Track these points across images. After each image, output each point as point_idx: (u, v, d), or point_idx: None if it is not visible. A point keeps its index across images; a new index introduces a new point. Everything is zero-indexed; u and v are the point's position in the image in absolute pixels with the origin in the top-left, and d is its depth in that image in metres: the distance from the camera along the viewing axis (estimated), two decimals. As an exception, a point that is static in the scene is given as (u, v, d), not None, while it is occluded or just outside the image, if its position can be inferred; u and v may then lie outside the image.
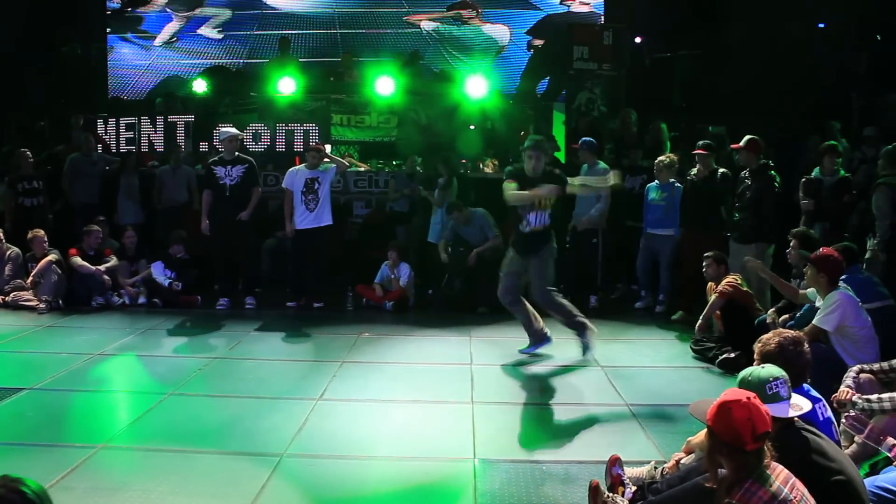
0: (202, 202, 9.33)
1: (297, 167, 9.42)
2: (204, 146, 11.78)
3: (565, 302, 7.17)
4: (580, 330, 7.11)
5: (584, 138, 9.43)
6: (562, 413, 5.69)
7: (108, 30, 15.04)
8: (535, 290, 7.08)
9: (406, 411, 5.69)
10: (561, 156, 11.94)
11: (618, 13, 13.80)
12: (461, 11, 14.39)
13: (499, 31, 14.13)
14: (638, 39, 13.33)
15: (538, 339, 7.23)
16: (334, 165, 9.34)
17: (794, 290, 6.55)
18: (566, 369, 6.81)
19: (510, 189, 6.78)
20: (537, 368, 6.82)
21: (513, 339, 7.69)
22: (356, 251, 10.51)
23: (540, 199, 6.83)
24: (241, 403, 5.80)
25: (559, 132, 12.33)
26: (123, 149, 11.91)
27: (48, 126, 13.20)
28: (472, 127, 12.54)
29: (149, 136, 11.94)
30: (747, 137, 7.96)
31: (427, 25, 14.44)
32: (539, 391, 6.19)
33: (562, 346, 7.46)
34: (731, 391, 3.04)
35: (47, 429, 5.33)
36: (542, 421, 5.54)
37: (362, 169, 11.55)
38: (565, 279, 9.46)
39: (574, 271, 9.33)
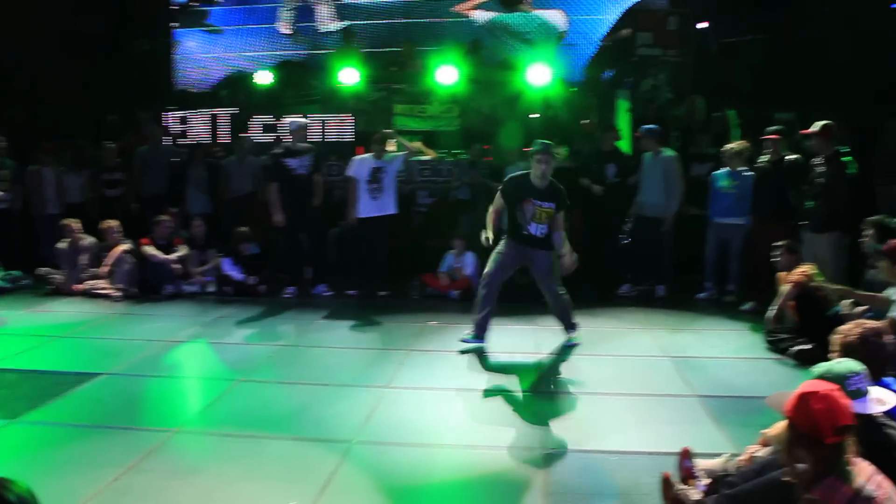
0: (272, 195, 9.32)
1: (361, 156, 9.48)
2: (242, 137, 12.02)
3: (567, 298, 7.08)
4: (572, 328, 7.11)
5: (646, 126, 9.30)
6: (630, 403, 5.61)
7: (174, 24, 15.28)
8: (544, 282, 6.97)
9: (473, 400, 5.69)
10: (625, 144, 11.79)
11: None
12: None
13: (554, 17, 13.87)
14: (704, 24, 13.03)
15: (482, 332, 6.84)
16: (401, 155, 9.37)
17: (880, 300, 6.25)
18: (633, 359, 6.72)
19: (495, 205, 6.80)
20: (604, 358, 6.75)
21: (581, 329, 7.64)
22: (421, 240, 10.55)
23: (540, 213, 6.70)
24: (310, 390, 5.88)
25: (624, 120, 12.17)
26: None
27: (118, 120, 13.53)
28: (534, 115, 12.46)
29: (208, 128, 12.23)
30: (821, 123, 7.72)
31: (478, 15, 14.28)
32: (606, 381, 6.11)
33: (627, 337, 7.41)
34: (810, 382, 2.96)
35: (124, 412, 5.47)
36: (610, 411, 5.47)
37: (429, 157, 11.58)
38: (629, 268, 9.42)
39: (638, 260, 9.26)
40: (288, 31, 14.08)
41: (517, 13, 13.76)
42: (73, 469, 4.47)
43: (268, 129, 12.58)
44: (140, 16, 14.63)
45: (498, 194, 6.90)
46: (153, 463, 4.56)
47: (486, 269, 6.91)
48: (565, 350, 7.00)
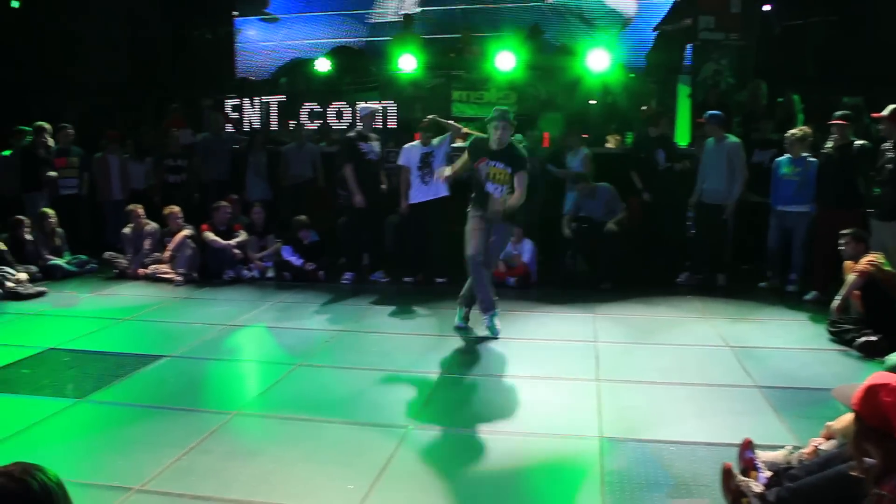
0: (347, 176, 9.28)
1: (411, 144, 9.50)
2: (292, 125, 12.28)
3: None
4: (491, 309, 7.09)
5: (710, 111, 9.13)
6: (689, 393, 5.52)
7: (235, 13, 15.48)
8: (493, 253, 7.13)
9: (530, 387, 5.67)
10: (685, 130, 11.60)
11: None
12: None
13: (624, 3, 13.67)
14: (767, 7, 12.71)
15: (491, 304, 7.10)
16: (447, 137, 9.33)
17: None
18: (692, 349, 6.62)
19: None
20: (663, 347, 6.67)
21: (638, 317, 7.63)
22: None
23: (495, 173, 6.85)
24: (367, 375, 5.92)
25: (684, 106, 11.97)
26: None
27: (180, 107, 13.78)
28: (592, 101, 12.33)
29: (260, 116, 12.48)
30: (892, 107, 7.47)
31: None
32: (665, 370, 6.02)
33: (686, 326, 7.32)
34: (879, 374, 2.87)
35: (186, 394, 5.59)
36: (669, 400, 5.39)
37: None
38: (690, 256, 9.28)
39: (698, 248, 9.12)
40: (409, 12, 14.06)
41: None
42: (138, 448, 4.59)
43: (291, 116, 12.76)
44: (202, 5, 14.85)
45: (465, 153, 7.10)
46: (214, 444, 4.65)
47: (470, 248, 7.02)
48: (622, 337, 6.95)
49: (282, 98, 13.06)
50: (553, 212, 10.04)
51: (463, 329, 7.21)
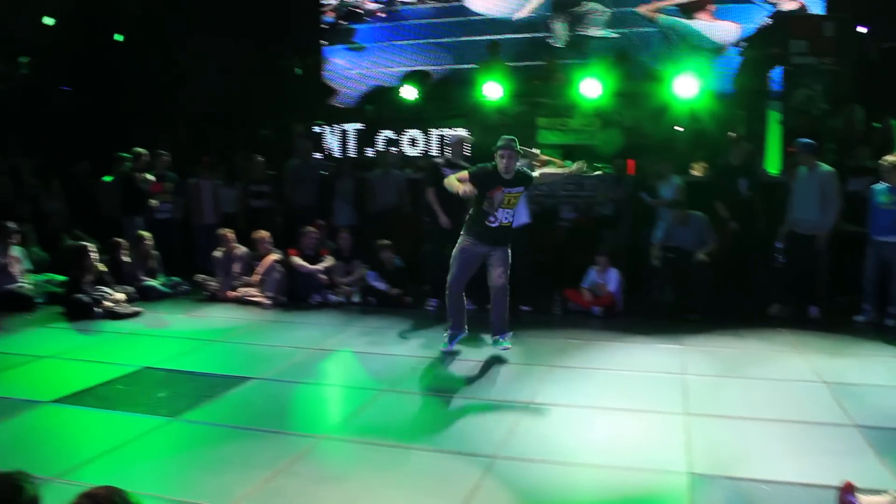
0: (429, 199, 9.25)
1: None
2: (369, 152, 12.73)
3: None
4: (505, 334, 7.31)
5: (801, 139, 8.89)
6: (783, 430, 5.34)
7: (323, 42, 15.83)
8: (500, 277, 7.17)
9: (616, 419, 5.59)
10: (775, 157, 11.32)
11: (840, 1, 12.82)
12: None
13: (727, 29, 13.38)
14: (863, 29, 12.34)
15: (460, 327, 7.37)
16: (524, 162, 9.29)
17: None
18: (785, 383, 6.42)
19: (452, 179, 7.19)
20: (754, 381, 6.48)
21: (728, 349, 7.45)
22: (563, 255, 10.45)
23: (510, 199, 7.04)
24: (452, 403, 5.93)
25: (774, 132, 11.70)
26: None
27: (270, 134, 14.16)
28: (679, 128, 12.17)
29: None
30: None
31: (658, 18, 13.96)
32: (757, 405, 5.84)
33: (778, 360, 7.11)
34: None
35: (274, 416, 5.68)
36: (761, 437, 5.22)
37: (559, 171, 11.49)
38: (780, 286, 9.03)
39: (790, 279, 8.87)
40: (560, 42, 14.16)
41: (694, 21, 13.42)
42: (228, 468, 4.69)
43: (368, 144, 13.11)
44: (292, 36, 15.26)
45: (466, 174, 7.19)
46: (301, 467, 4.71)
47: (450, 275, 7.26)
48: (711, 370, 6.79)
49: (359, 126, 13.35)
50: (640, 240, 9.93)
51: (500, 344, 7.33)
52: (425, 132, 13.07)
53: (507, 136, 7.20)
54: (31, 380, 6.57)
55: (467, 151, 9.42)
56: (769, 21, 12.71)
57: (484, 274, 7.68)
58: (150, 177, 10.98)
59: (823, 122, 10.79)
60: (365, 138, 13.22)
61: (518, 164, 7.11)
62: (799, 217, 8.73)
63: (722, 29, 13.29)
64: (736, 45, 13.24)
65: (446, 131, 11.38)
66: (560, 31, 14.04)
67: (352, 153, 13.25)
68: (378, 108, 14.18)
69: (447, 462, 4.80)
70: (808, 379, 6.51)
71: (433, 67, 15.13)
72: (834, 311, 8.88)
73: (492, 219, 7.07)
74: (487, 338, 8.01)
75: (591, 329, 8.38)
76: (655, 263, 9.19)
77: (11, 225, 9.83)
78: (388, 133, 13.04)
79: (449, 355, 7.33)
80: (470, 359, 7.27)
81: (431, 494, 4.36)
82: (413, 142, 12.89)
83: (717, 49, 13.26)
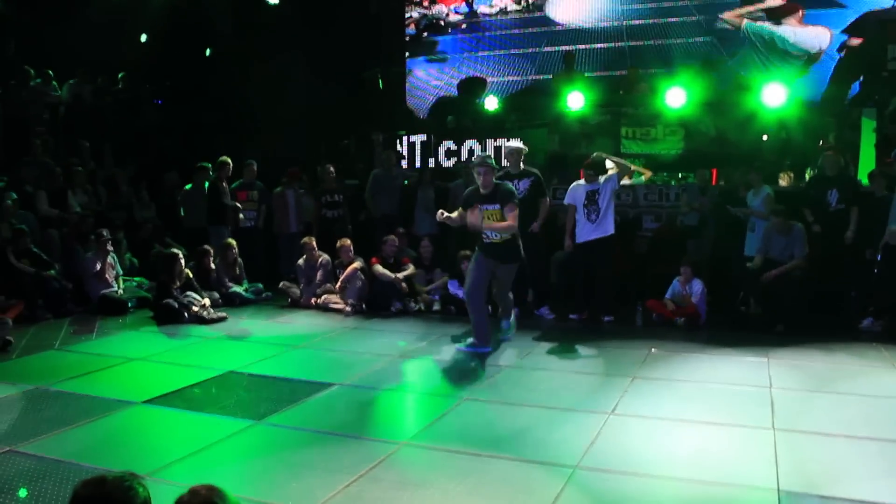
0: None
1: (577, 182, 9.44)
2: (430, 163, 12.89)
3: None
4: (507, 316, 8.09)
5: (898, 149, 8.57)
6: (879, 449, 5.10)
7: (407, 54, 16.01)
8: (501, 289, 7.89)
9: (701, 432, 5.45)
10: (867, 165, 10.92)
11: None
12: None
13: (817, 35, 12.96)
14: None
15: (485, 341, 7.73)
16: (615, 174, 9.18)
17: None
18: (881, 400, 6.15)
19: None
20: (846, 397, 6.24)
21: (817, 363, 7.21)
22: (645, 265, 10.30)
23: (488, 215, 7.47)
24: (534, 412, 5.87)
25: (868, 141, 11.31)
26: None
27: (353, 144, 14.36)
28: (765, 138, 11.88)
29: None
30: None
31: (744, 24, 13.64)
32: (849, 422, 5.60)
33: (872, 375, 6.84)
34: None
35: (355, 422, 5.75)
36: (855, 455, 5.01)
37: (646, 176, 11.32)
38: (873, 300, 8.70)
39: (885, 292, 8.54)
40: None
41: (782, 27, 13.09)
42: (311, 472, 4.74)
43: (451, 154, 13.25)
44: (377, 47, 15.47)
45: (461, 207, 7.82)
46: (383, 472, 4.73)
47: (466, 285, 7.83)
48: (799, 384, 6.57)
49: (422, 137, 13.48)
50: (724, 251, 9.72)
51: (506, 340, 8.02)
52: (483, 143, 13.11)
53: (481, 154, 7.76)
54: (122, 381, 6.80)
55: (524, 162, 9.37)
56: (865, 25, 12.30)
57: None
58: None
59: (922, 131, 10.40)
60: (427, 150, 13.33)
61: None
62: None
63: (812, 35, 12.89)
64: (840, 51, 12.80)
65: (507, 142, 11.34)
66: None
67: (430, 163, 13.32)
68: (457, 118, 14.24)
69: (528, 471, 4.75)
70: (905, 396, 6.24)
71: (516, 79, 15.15)
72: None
73: (483, 236, 7.56)
74: (565, 347, 8.00)
75: (674, 340, 8.21)
76: (756, 265, 8.93)
77: (106, 233, 10.21)
78: (472, 143, 13.06)
79: (525, 361, 7.48)
80: (550, 369, 7.22)
81: (513, 503, 4.32)
82: (472, 152, 12.88)
83: (806, 55, 12.87)
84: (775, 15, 13.06)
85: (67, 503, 2.27)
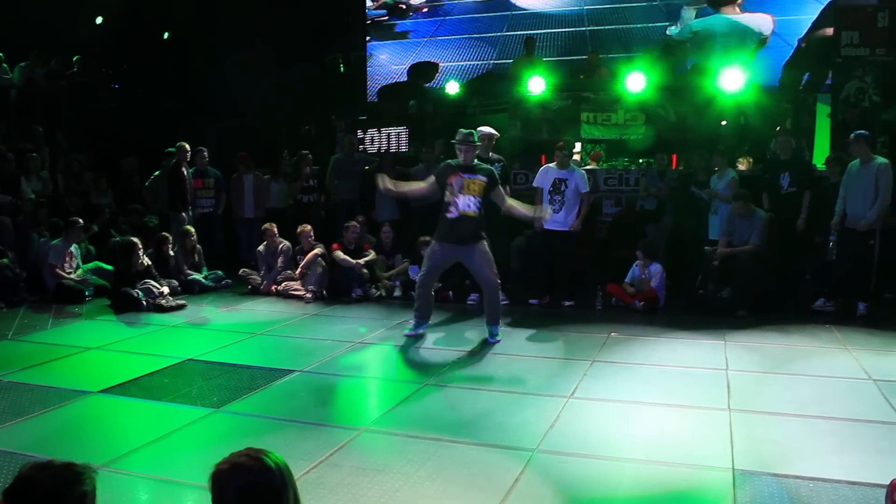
0: None
1: (548, 165, 9.48)
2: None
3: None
4: (496, 324, 7.64)
5: (857, 131, 8.68)
6: (829, 427, 5.23)
7: (368, 38, 15.90)
8: (487, 276, 7.45)
9: (658, 414, 5.53)
10: (822, 150, 11.09)
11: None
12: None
13: (762, 21, 13.16)
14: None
15: (424, 319, 7.80)
16: (583, 171, 9.32)
17: None
18: (833, 381, 6.29)
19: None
20: (799, 378, 6.38)
21: (772, 345, 7.34)
22: (605, 250, 10.39)
23: (469, 184, 7.25)
24: (493, 397, 5.91)
25: (823, 125, 11.48)
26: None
27: (313, 129, 14.25)
28: (724, 122, 12.00)
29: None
30: None
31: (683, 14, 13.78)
32: (802, 402, 5.73)
33: (825, 356, 6.99)
34: None
35: (316, 409, 5.77)
36: (806, 434, 5.13)
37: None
38: (829, 282, 8.87)
39: (837, 274, 8.70)
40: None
41: (723, 16, 13.24)
42: (270, 459, 4.71)
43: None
44: (340, 31, 15.35)
45: (431, 177, 7.60)
46: (343, 458, 4.73)
47: (421, 272, 7.74)
48: (755, 366, 6.69)
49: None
50: (682, 235, 9.83)
51: (492, 340, 7.58)
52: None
53: (463, 130, 7.50)
54: (78, 371, 6.71)
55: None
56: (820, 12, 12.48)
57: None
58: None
59: (875, 115, 10.56)
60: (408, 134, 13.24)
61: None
62: (851, 211, 8.53)
63: (754, 22, 13.10)
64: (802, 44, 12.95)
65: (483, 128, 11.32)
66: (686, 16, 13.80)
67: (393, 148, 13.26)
68: (420, 103, 14.20)
69: (488, 455, 4.79)
70: (856, 376, 6.38)
71: (477, 63, 15.14)
72: (883, 307, 8.72)
73: (452, 209, 7.28)
74: (525, 332, 8.04)
75: (634, 324, 8.30)
76: (714, 260, 9.03)
77: (80, 221, 10.07)
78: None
79: (486, 345, 7.49)
80: (510, 353, 7.26)
81: (472, 487, 4.34)
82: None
83: (754, 42, 13.06)
84: (715, 4, 13.22)
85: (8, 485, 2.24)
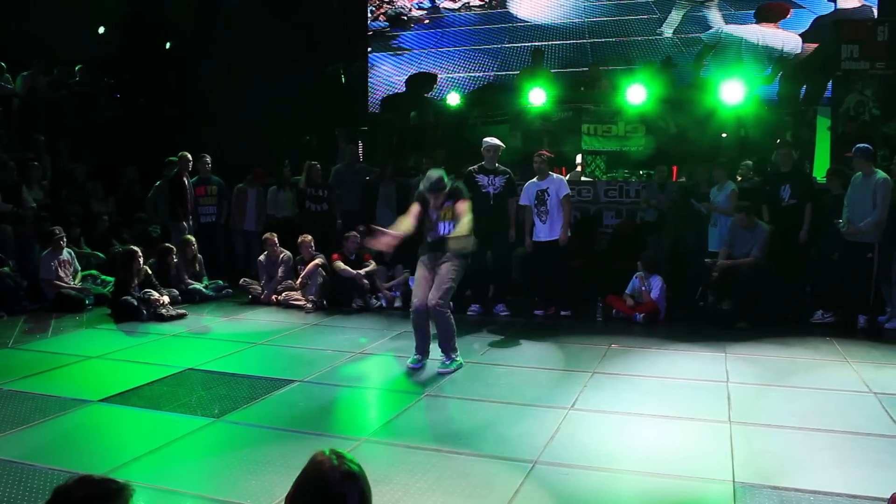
0: None
1: (531, 181, 9.52)
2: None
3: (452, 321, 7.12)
4: (450, 354, 7.03)
5: (858, 145, 8.69)
6: (830, 440, 5.23)
7: (369, 49, 15.95)
8: (434, 297, 6.92)
9: (659, 426, 5.52)
10: (823, 162, 11.13)
11: (894, 5, 12.54)
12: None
13: (785, 38, 13.11)
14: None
15: (425, 355, 7.17)
16: (562, 178, 9.36)
17: None
18: (832, 393, 6.28)
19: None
20: (799, 391, 6.36)
21: (773, 358, 7.34)
22: (606, 261, 10.40)
23: (444, 213, 7.06)
24: (494, 408, 5.90)
25: (823, 138, 11.52)
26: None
27: (314, 140, 14.28)
28: (724, 135, 12.04)
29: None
30: None
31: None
32: (802, 415, 5.72)
33: (825, 369, 6.99)
34: None
35: (316, 419, 5.74)
36: (807, 447, 5.12)
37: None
38: (830, 294, 8.87)
39: (838, 286, 8.70)
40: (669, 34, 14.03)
41: (756, 26, 13.24)
42: (270, 469, 4.71)
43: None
44: (340, 43, 15.39)
45: (415, 202, 7.21)
46: (342, 470, 4.71)
47: (413, 298, 7.18)
48: (756, 379, 6.69)
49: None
50: (683, 247, 9.83)
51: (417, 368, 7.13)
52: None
53: (433, 176, 7.09)
54: (78, 379, 6.71)
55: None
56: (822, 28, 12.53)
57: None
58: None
59: (875, 128, 10.59)
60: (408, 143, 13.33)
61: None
62: (852, 220, 8.53)
63: (779, 38, 13.11)
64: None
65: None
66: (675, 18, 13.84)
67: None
68: (421, 113, 14.23)
69: (488, 466, 4.78)
70: (857, 389, 6.37)
71: (478, 74, 15.18)
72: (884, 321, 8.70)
73: (433, 233, 7.14)
74: (526, 343, 8.03)
75: (634, 336, 8.31)
76: (714, 271, 9.03)
77: (58, 230, 10.04)
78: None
79: (486, 356, 7.52)
80: (510, 364, 7.25)
81: (472, 498, 4.33)
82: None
83: (774, 57, 13.08)
84: (763, 16, 13.20)
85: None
